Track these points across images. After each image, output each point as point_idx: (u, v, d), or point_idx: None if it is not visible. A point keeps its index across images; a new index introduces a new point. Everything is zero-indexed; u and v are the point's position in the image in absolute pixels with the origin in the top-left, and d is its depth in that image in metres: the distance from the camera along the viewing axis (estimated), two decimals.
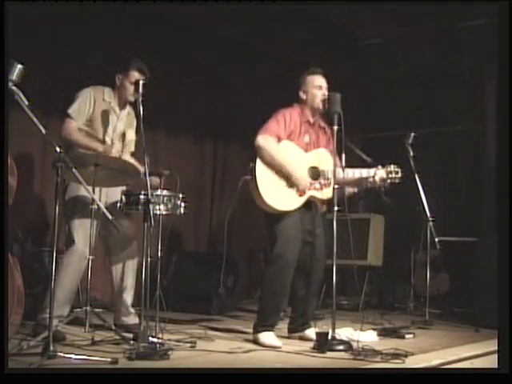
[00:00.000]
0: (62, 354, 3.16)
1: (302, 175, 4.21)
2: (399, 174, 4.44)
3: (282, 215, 4.21)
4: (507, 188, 3.74)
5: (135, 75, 4.29)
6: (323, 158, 4.34)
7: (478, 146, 7.07)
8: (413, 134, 5.44)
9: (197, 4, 5.86)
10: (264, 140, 4.18)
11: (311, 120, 4.40)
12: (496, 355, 3.63)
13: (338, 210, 4.03)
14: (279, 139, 4.23)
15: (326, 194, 4.32)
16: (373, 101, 8.09)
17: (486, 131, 6.53)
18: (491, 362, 3.78)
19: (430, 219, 5.34)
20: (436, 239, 5.28)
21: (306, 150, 4.33)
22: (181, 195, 4.17)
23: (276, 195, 4.18)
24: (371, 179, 4.39)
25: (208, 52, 6.79)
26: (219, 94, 6.98)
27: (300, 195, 4.24)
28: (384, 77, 7.96)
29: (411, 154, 5.41)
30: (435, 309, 5.89)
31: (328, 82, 4.38)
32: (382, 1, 6.26)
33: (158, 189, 4.11)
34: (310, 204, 4.33)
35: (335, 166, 4.14)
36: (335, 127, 4.11)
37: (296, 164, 4.23)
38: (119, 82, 4.40)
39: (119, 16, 5.90)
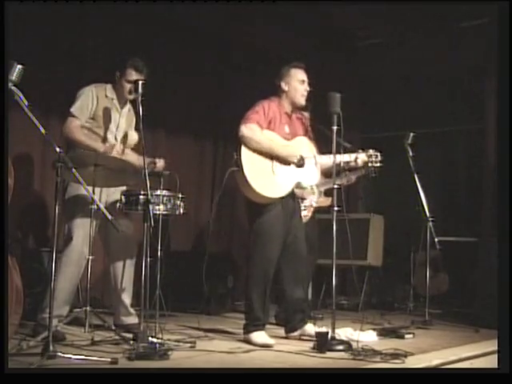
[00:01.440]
0: (61, 354, 3.16)
1: (292, 151, 4.25)
2: (379, 158, 4.50)
3: (265, 208, 4.23)
4: (507, 188, 3.74)
5: (132, 73, 4.30)
6: (305, 145, 4.40)
7: (478, 146, 7.07)
8: (412, 134, 5.44)
9: (197, 4, 5.86)
10: (247, 129, 4.20)
11: (289, 112, 4.44)
12: (496, 355, 3.63)
13: (338, 211, 4.04)
14: (261, 127, 4.25)
15: (312, 180, 4.37)
16: (372, 101, 8.09)
17: (486, 131, 6.52)
18: (491, 362, 3.78)
19: (430, 219, 5.34)
20: (436, 239, 5.28)
21: (288, 139, 4.37)
22: (180, 195, 4.18)
23: (264, 183, 4.20)
24: (353, 163, 4.46)
25: (208, 52, 6.78)
26: (219, 94, 6.98)
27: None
28: (384, 77, 7.95)
29: (411, 154, 5.41)
30: (435, 309, 5.89)
31: (308, 78, 4.42)
32: (382, 1, 6.25)
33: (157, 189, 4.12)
34: (292, 198, 4.34)
35: (335, 163, 4.15)
36: (334, 127, 4.12)
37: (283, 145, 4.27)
38: (117, 81, 4.41)
39: (119, 16, 5.89)
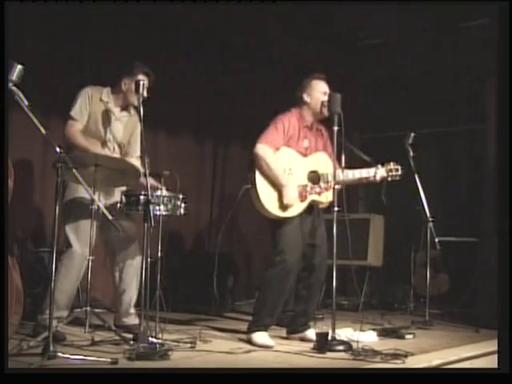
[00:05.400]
0: (61, 355, 3.16)
1: (291, 194, 4.19)
2: (399, 172, 4.46)
3: (284, 220, 4.23)
4: (507, 188, 3.74)
5: (142, 79, 4.29)
6: (323, 162, 4.37)
7: (478, 146, 7.07)
8: (413, 135, 5.44)
9: (197, 4, 5.85)
10: (262, 150, 4.21)
11: (309, 124, 4.42)
12: (496, 355, 3.63)
13: (338, 211, 4.04)
14: (277, 148, 4.24)
15: (327, 197, 4.35)
16: (372, 101, 8.08)
17: (487, 131, 6.52)
18: (491, 362, 3.78)
19: (430, 219, 5.34)
20: (436, 239, 5.28)
21: (306, 155, 4.35)
22: (181, 196, 4.18)
23: (277, 202, 4.20)
24: (372, 178, 4.42)
25: (208, 52, 6.78)
26: (219, 95, 6.98)
27: (301, 200, 4.26)
28: (384, 77, 7.95)
29: (411, 154, 5.41)
30: (435, 309, 5.89)
31: (329, 88, 4.41)
32: (382, 1, 6.25)
33: (157, 189, 4.11)
34: (311, 208, 4.35)
35: (335, 168, 4.15)
36: (335, 128, 4.12)
37: (295, 171, 4.24)
38: (126, 87, 4.39)
39: (119, 16, 5.89)
